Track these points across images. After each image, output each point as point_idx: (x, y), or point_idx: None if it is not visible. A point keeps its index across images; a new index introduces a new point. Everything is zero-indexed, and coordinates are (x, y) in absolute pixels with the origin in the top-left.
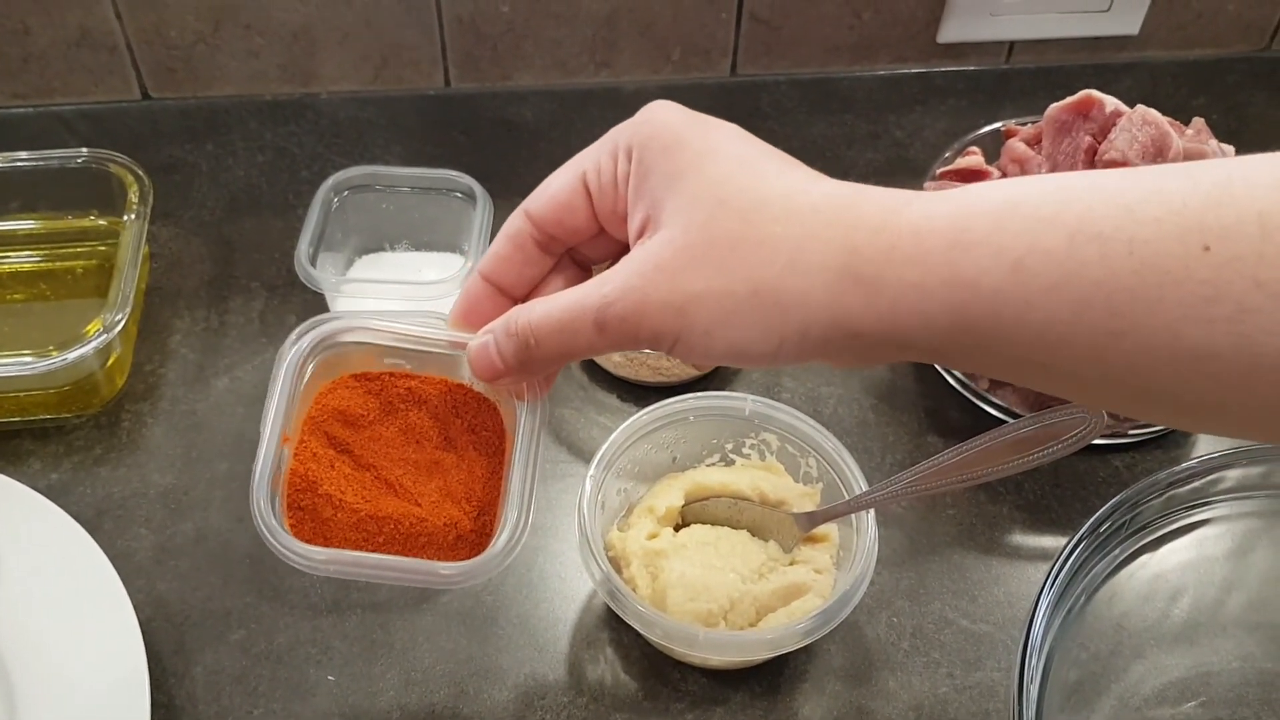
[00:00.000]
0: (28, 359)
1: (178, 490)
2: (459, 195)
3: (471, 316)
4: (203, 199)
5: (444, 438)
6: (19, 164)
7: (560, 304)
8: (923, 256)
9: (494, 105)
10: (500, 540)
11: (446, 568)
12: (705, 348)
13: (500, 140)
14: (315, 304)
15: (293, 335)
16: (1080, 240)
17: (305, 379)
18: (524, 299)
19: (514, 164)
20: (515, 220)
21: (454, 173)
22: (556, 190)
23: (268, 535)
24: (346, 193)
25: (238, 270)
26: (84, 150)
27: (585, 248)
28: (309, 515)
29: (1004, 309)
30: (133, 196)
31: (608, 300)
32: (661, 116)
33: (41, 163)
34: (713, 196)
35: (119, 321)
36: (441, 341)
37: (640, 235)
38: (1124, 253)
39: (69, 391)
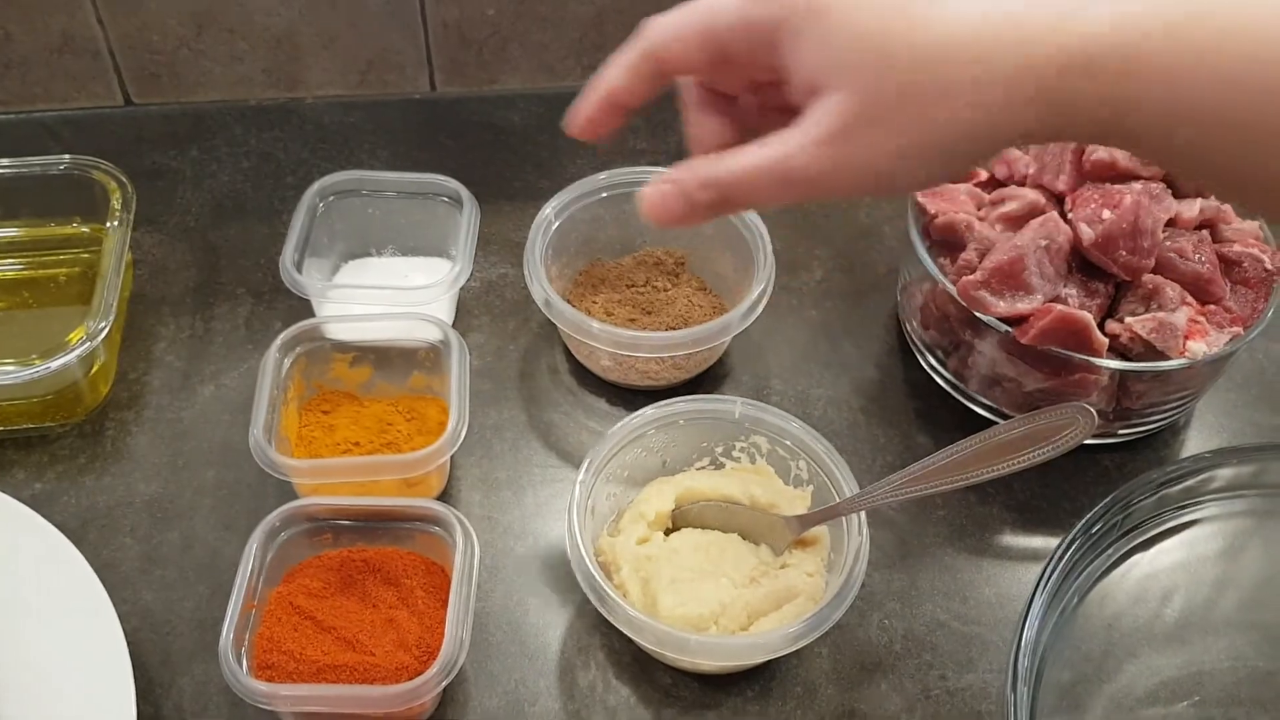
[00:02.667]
0: (10, 368)
1: (164, 499)
2: (445, 200)
3: (594, 125)
4: (187, 205)
5: (398, 598)
6: (0, 171)
7: (751, 162)
8: (1093, 74)
9: (480, 109)
10: (433, 668)
11: (379, 690)
12: (899, 192)
13: (487, 144)
14: (301, 309)
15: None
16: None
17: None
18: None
19: (501, 168)
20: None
21: (440, 177)
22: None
23: (231, 678)
24: (332, 198)
25: (223, 277)
26: (66, 157)
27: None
28: (276, 671)
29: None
30: (115, 203)
31: (800, 166)
32: None
33: (23, 169)
34: (875, 52)
35: (102, 329)
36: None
37: (811, 95)
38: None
39: (52, 400)
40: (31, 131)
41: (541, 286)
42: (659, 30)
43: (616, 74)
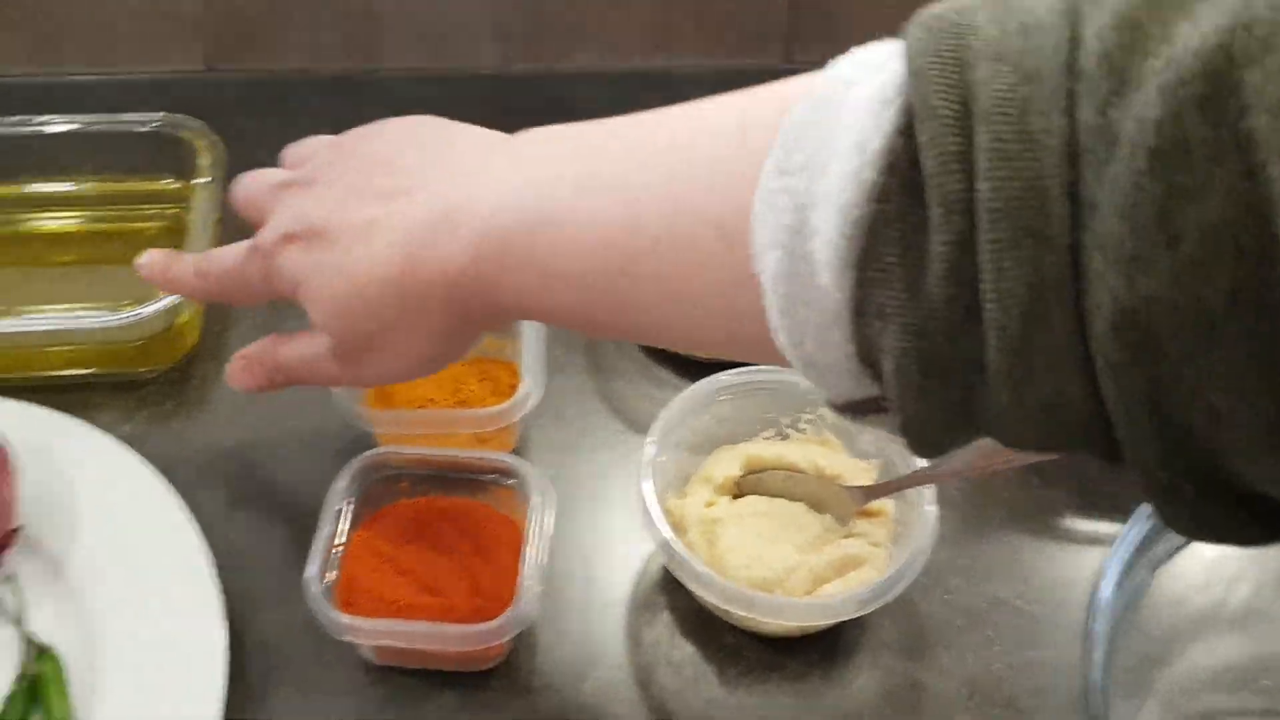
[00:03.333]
0: (104, 314)
1: (247, 446)
2: None
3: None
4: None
5: (473, 547)
6: (94, 127)
7: (293, 359)
8: (477, 293)
9: (549, 87)
10: (509, 613)
11: (456, 628)
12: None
13: (554, 122)
14: None
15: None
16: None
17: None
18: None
19: None
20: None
21: None
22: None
23: (316, 608)
24: None
25: None
26: (159, 115)
27: None
28: (356, 608)
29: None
30: (205, 160)
31: (319, 369)
32: (281, 261)
33: (117, 126)
34: (335, 319)
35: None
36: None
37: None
38: (618, 261)
39: (142, 347)
40: (113, 92)
41: None
42: (184, 282)
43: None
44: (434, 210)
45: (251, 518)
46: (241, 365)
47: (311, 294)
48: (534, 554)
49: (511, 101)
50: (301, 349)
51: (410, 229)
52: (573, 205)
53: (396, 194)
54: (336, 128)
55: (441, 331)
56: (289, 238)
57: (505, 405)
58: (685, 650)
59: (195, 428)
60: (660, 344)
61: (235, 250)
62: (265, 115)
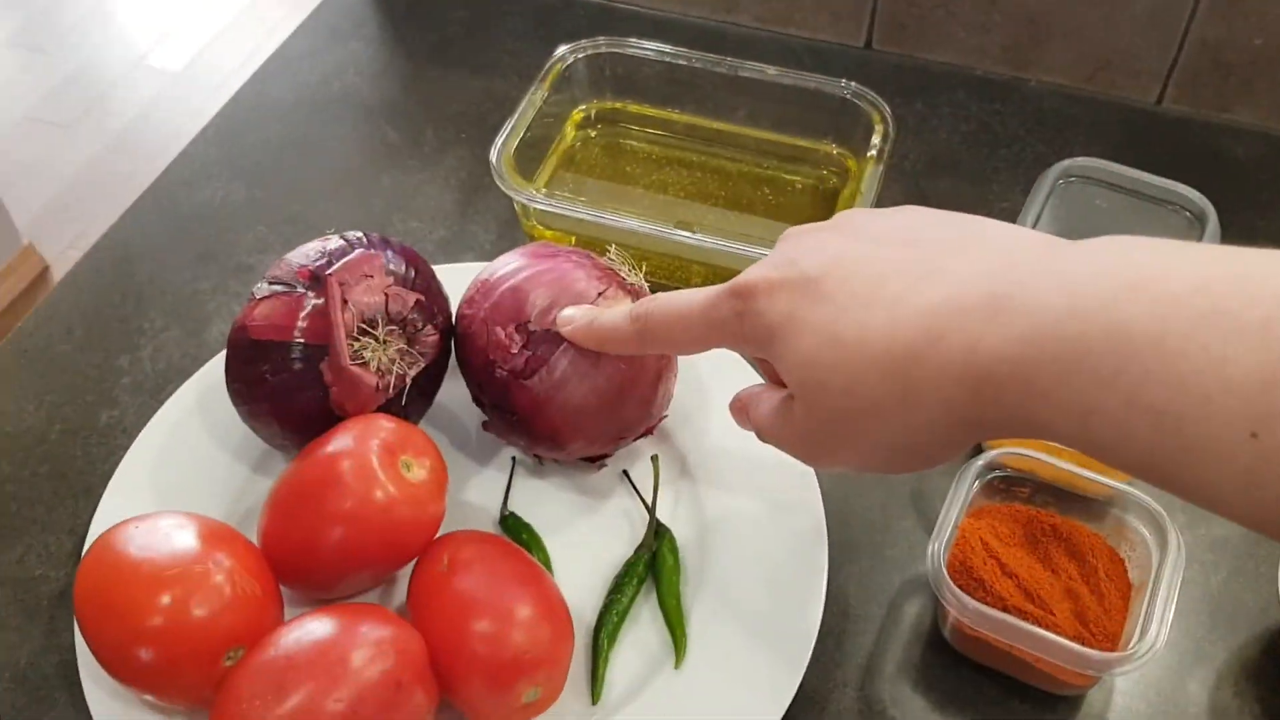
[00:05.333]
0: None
1: None
2: (1186, 214)
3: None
4: (905, 150)
5: (1080, 573)
6: (783, 80)
7: (761, 417)
8: (999, 396)
9: (1204, 134)
10: (1139, 651)
11: (1078, 648)
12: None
13: (1204, 171)
14: None
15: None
16: (1136, 411)
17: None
18: None
19: (1217, 198)
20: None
21: (1186, 188)
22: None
23: (934, 576)
24: (1072, 180)
25: None
26: (851, 84)
27: None
28: (965, 591)
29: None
30: (876, 139)
31: (785, 443)
32: (760, 305)
33: (803, 82)
34: (814, 381)
35: None
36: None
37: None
38: (1174, 429)
39: None
40: (777, 50)
41: None
42: (656, 330)
43: (619, 337)
44: (970, 292)
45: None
46: (735, 411)
47: (787, 352)
48: (1161, 604)
49: (1156, 144)
50: (765, 414)
51: (932, 307)
52: (1189, 335)
53: (914, 266)
54: (975, 126)
55: (934, 428)
56: (776, 283)
57: None
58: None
59: None
60: (1198, 503)
61: (697, 293)
62: (910, 100)
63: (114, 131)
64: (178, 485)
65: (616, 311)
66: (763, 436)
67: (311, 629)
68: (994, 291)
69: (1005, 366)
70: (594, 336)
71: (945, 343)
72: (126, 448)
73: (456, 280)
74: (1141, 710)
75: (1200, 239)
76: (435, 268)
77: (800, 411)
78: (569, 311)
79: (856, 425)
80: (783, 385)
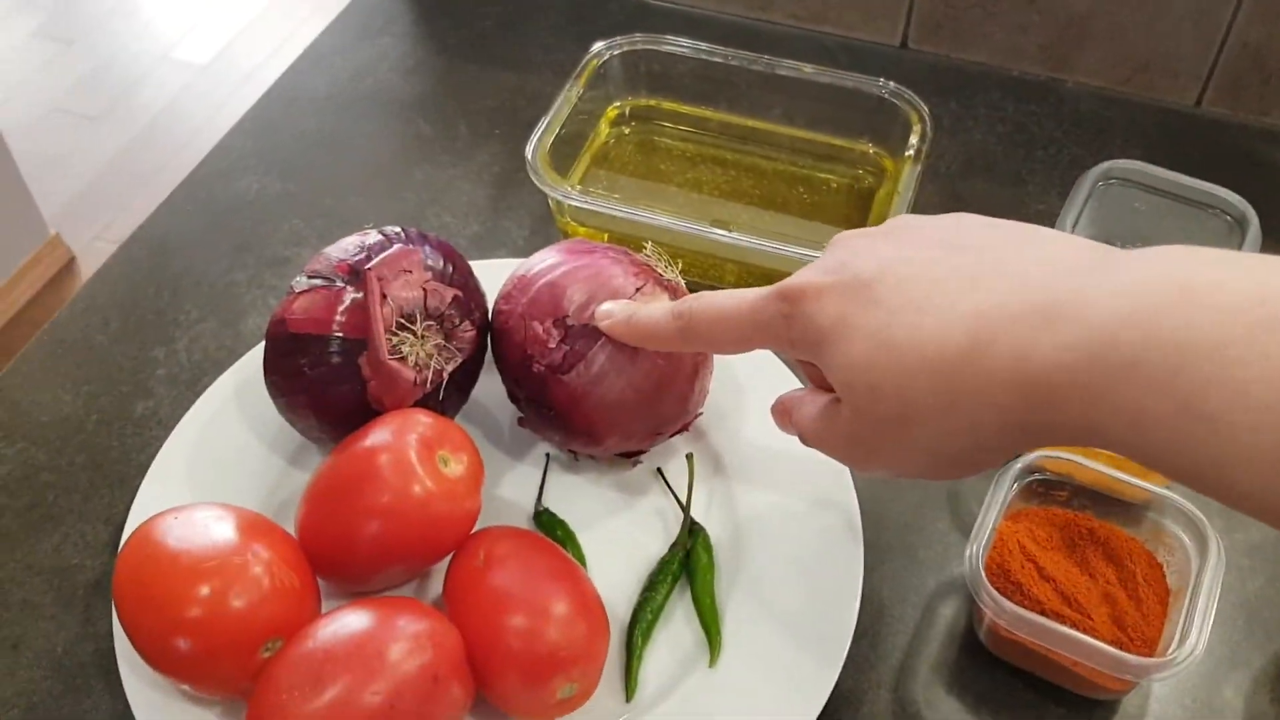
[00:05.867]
0: (808, 249)
1: None
2: (1227, 218)
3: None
4: (940, 151)
5: (1118, 577)
6: (820, 78)
7: (804, 419)
8: (1050, 401)
9: (1241, 137)
10: (1179, 656)
11: (1115, 652)
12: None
13: (1242, 175)
14: None
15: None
16: (1191, 417)
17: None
18: None
19: (1256, 202)
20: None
21: (1227, 192)
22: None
23: (972, 577)
24: (1113, 182)
25: None
26: (889, 83)
27: None
28: (1012, 595)
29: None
30: (914, 138)
31: (829, 446)
32: (810, 308)
33: (840, 80)
34: (864, 384)
35: None
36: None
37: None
38: (1229, 436)
39: None
40: (812, 48)
41: None
42: (700, 327)
43: (660, 332)
44: (1023, 299)
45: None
46: (777, 415)
47: (837, 356)
48: (1200, 609)
49: (1194, 147)
50: (810, 416)
51: (982, 312)
52: (1249, 343)
53: (966, 272)
54: (1011, 127)
55: (979, 433)
56: (827, 287)
57: None
58: None
59: None
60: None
61: (743, 294)
62: (946, 100)
63: (140, 124)
64: (214, 476)
65: (657, 308)
66: (806, 440)
67: (349, 622)
68: (1048, 299)
69: (1058, 373)
70: (634, 332)
71: (995, 348)
72: (162, 438)
73: (491, 276)
74: (1177, 715)
75: (1241, 244)
76: (470, 264)
77: (847, 415)
78: (607, 306)
79: (905, 430)
80: (827, 389)
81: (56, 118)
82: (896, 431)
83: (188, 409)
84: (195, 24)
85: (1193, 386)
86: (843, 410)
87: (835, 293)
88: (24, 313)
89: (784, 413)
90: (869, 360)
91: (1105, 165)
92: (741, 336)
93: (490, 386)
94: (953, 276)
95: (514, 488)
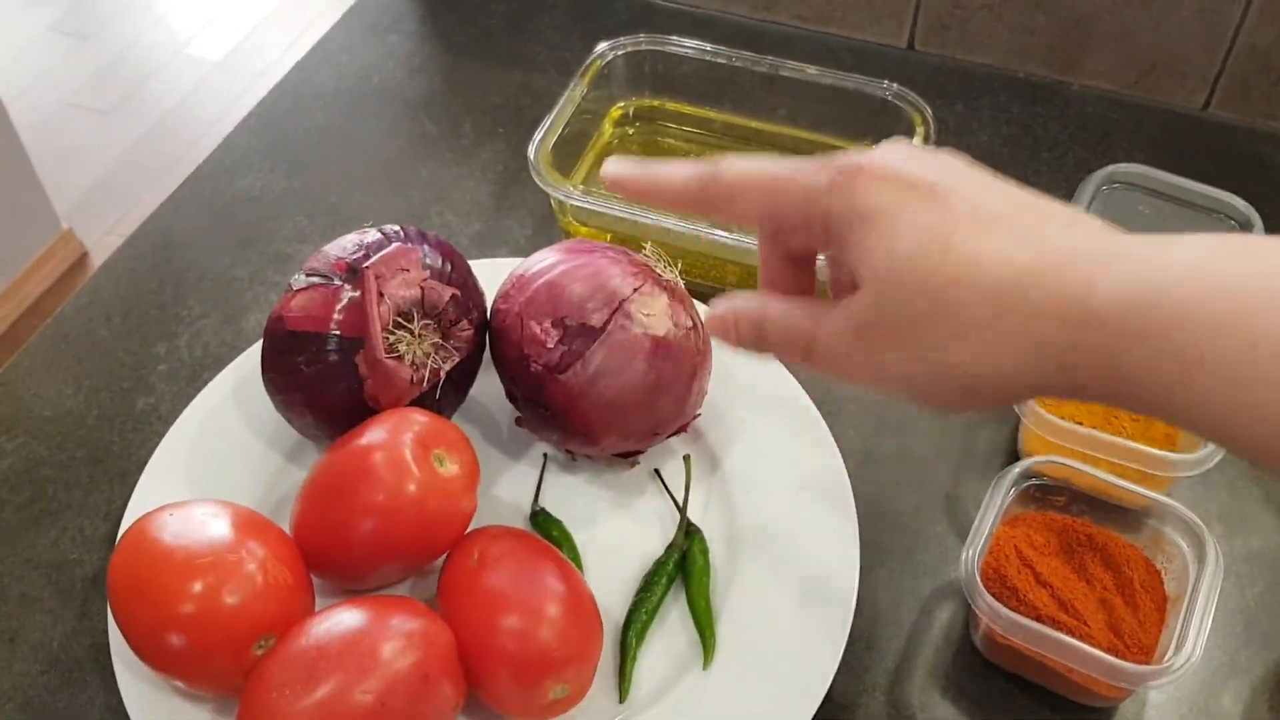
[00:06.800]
0: None
1: (887, 404)
2: (1231, 222)
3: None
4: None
5: (1115, 583)
6: (824, 79)
7: (786, 322)
8: (1097, 342)
9: (1248, 140)
10: (1175, 663)
11: (1110, 659)
12: (922, 405)
13: (1248, 177)
14: None
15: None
16: (1252, 368)
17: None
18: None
19: (1261, 206)
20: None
21: (1232, 196)
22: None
23: (968, 583)
24: (1116, 186)
25: None
26: (893, 85)
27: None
28: (998, 599)
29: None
30: (918, 140)
31: (823, 346)
32: (862, 184)
33: (844, 82)
34: (906, 273)
35: None
36: None
37: (853, 285)
38: None
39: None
40: (817, 49)
41: None
42: (730, 175)
43: (677, 180)
44: (1082, 241)
45: (881, 474)
46: (718, 321)
47: (879, 241)
48: (1198, 617)
49: (1200, 150)
50: (802, 311)
51: (1046, 240)
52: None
53: (1024, 209)
54: (1017, 129)
55: (1014, 357)
56: (888, 173)
57: (1184, 457)
58: None
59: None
60: None
61: (800, 161)
62: (952, 102)
63: (154, 119)
64: (211, 473)
65: (681, 164)
66: (780, 341)
67: (342, 619)
68: (1107, 246)
69: (1114, 309)
70: (644, 177)
71: (1053, 278)
72: (162, 434)
73: (492, 275)
74: None
75: None
76: (470, 262)
77: (866, 304)
78: (613, 163)
79: (933, 336)
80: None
81: (70, 112)
82: (923, 335)
83: (188, 405)
84: (210, 20)
85: (1252, 336)
86: (863, 299)
87: (896, 182)
88: (36, 307)
89: (727, 320)
90: (918, 251)
91: (1109, 169)
92: (772, 188)
93: (489, 386)
94: (1024, 210)
95: (511, 487)
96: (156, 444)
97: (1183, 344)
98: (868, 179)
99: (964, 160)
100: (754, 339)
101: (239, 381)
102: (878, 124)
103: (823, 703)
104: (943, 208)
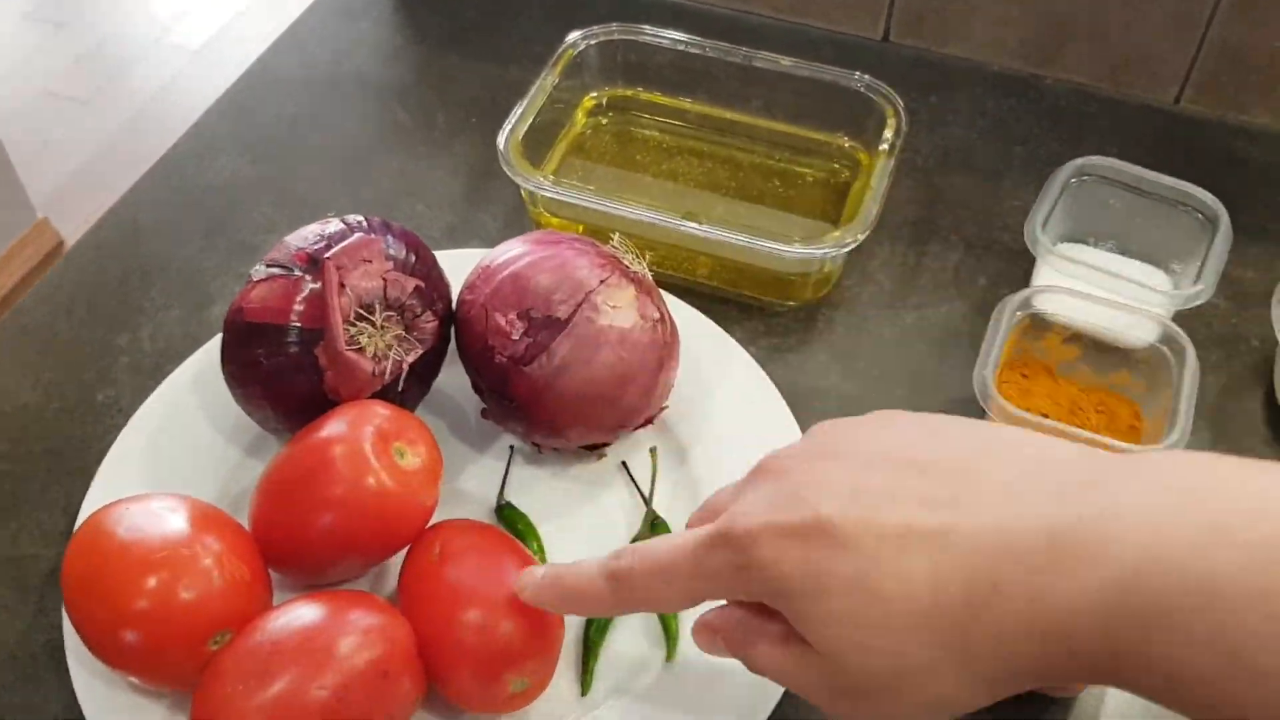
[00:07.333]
0: (778, 244)
1: (855, 398)
2: (1198, 215)
3: None
4: (918, 146)
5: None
6: (799, 71)
7: (778, 673)
8: (1073, 651)
9: (1221, 135)
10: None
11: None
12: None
13: (1219, 173)
14: (1006, 272)
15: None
16: (1242, 671)
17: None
18: None
19: (1232, 200)
20: None
21: (1199, 190)
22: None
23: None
24: (1085, 179)
25: (940, 219)
26: (865, 76)
27: None
28: None
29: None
30: (889, 132)
31: (817, 703)
32: (759, 559)
33: (818, 74)
34: (851, 642)
35: (858, 238)
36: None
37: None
38: None
39: (788, 280)
40: (794, 40)
41: None
42: (640, 591)
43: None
44: (1021, 529)
45: None
46: (705, 636)
47: (815, 612)
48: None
49: (1173, 145)
50: (781, 664)
51: (979, 548)
52: None
53: (940, 493)
54: (991, 122)
55: (989, 684)
56: (783, 529)
57: (1158, 448)
58: None
59: (811, 366)
60: None
61: (683, 541)
62: (926, 94)
63: (132, 108)
64: (171, 467)
65: (587, 566)
66: (774, 680)
67: (299, 615)
68: (1051, 529)
69: (1078, 619)
70: (561, 596)
71: (1005, 593)
72: (122, 427)
73: (460, 266)
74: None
75: (1212, 241)
76: (439, 254)
77: (830, 669)
78: (533, 570)
79: (905, 683)
80: (762, 610)
81: (46, 101)
82: (894, 684)
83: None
84: (188, 8)
85: (1238, 641)
86: (824, 664)
87: (795, 536)
88: (9, 298)
89: (712, 637)
90: (854, 616)
91: (1078, 161)
92: (687, 592)
93: (455, 378)
94: (928, 501)
95: (476, 480)
96: (116, 437)
97: (1161, 652)
98: (767, 547)
99: (839, 428)
100: (735, 658)
101: (199, 374)
102: (850, 116)
103: (785, 693)
104: (851, 549)
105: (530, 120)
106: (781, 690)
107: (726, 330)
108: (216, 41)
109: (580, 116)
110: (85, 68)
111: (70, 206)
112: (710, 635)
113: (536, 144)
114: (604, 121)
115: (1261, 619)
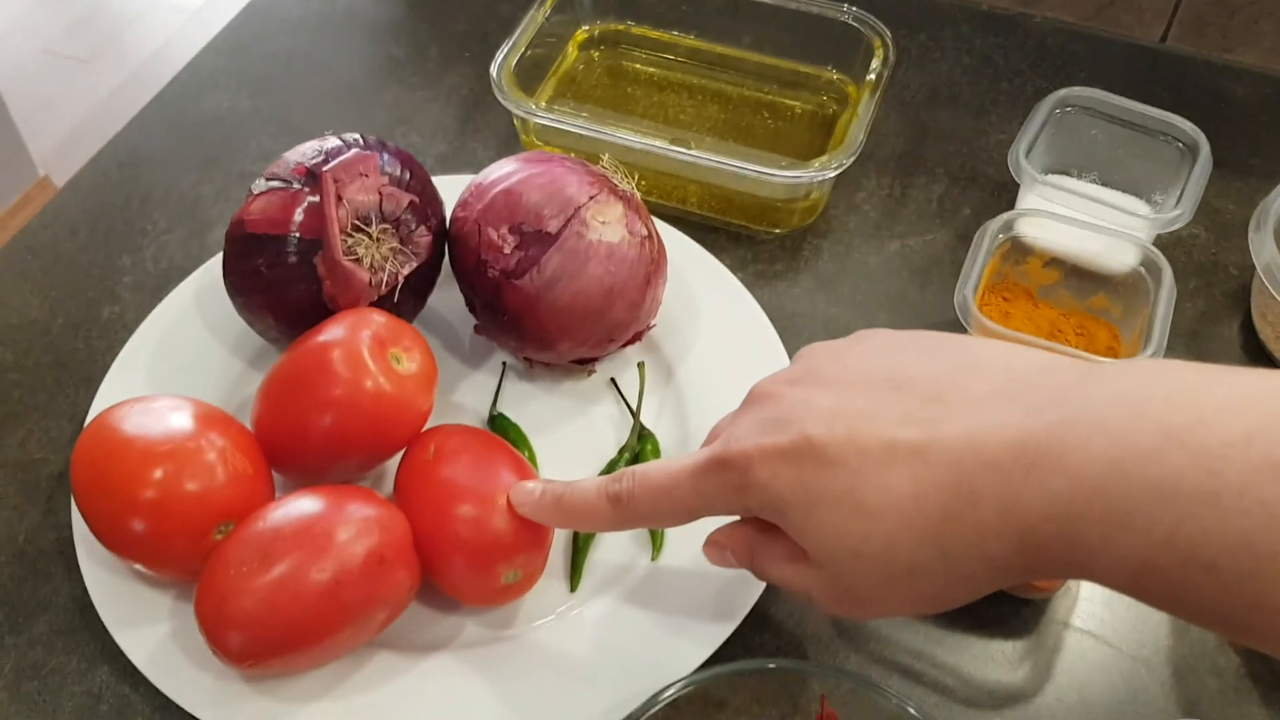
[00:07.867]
0: (765, 167)
1: (839, 322)
2: (1178, 144)
3: None
4: (907, 81)
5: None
6: (788, 4)
7: (782, 579)
8: (1044, 550)
9: (1205, 74)
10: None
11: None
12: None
13: (1204, 110)
14: (990, 203)
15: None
16: (1196, 568)
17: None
18: None
19: (1215, 138)
20: None
21: (1181, 120)
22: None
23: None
24: (1068, 109)
25: (926, 153)
26: (852, 8)
27: None
28: None
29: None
30: (876, 63)
31: (818, 602)
32: (755, 480)
33: (807, 7)
34: (843, 551)
35: (844, 163)
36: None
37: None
38: (1238, 587)
39: (772, 207)
40: None
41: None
42: (642, 506)
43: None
44: (993, 440)
45: None
46: (715, 551)
47: (808, 526)
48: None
49: (1158, 83)
50: (786, 574)
51: (955, 460)
52: (1245, 490)
53: (920, 411)
54: (977, 59)
55: (976, 580)
56: (774, 451)
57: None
58: None
59: (796, 293)
60: None
61: (680, 465)
62: (914, 32)
63: (132, 66)
64: (174, 376)
65: (588, 485)
66: (779, 586)
67: (300, 505)
68: (1022, 441)
69: (1048, 524)
70: (564, 514)
71: (978, 501)
72: (126, 341)
73: (453, 190)
74: (1104, 615)
75: (1191, 170)
76: (432, 178)
77: (828, 576)
78: (528, 485)
79: (896, 585)
80: (765, 528)
81: (48, 59)
82: (887, 587)
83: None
84: None
85: (1192, 538)
86: (823, 574)
87: (786, 458)
88: None
89: (722, 552)
90: (844, 527)
91: (1062, 92)
92: (688, 509)
93: (449, 297)
94: (907, 418)
95: (470, 394)
96: (120, 350)
97: (1124, 551)
98: (762, 469)
99: (820, 351)
100: (742, 570)
101: (202, 289)
102: (838, 49)
103: (766, 588)
104: (839, 466)
105: (523, 50)
106: (762, 587)
107: (715, 257)
108: (215, 1)
109: (572, 50)
110: (86, 27)
111: (71, 165)
112: (720, 550)
113: (529, 78)
114: (595, 55)
115: (1214, 519)
